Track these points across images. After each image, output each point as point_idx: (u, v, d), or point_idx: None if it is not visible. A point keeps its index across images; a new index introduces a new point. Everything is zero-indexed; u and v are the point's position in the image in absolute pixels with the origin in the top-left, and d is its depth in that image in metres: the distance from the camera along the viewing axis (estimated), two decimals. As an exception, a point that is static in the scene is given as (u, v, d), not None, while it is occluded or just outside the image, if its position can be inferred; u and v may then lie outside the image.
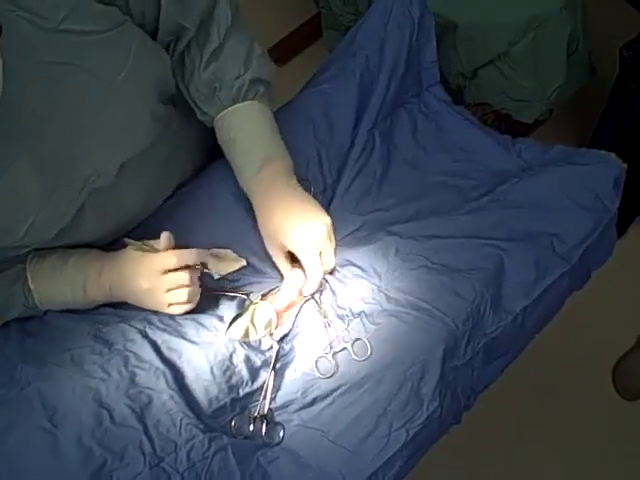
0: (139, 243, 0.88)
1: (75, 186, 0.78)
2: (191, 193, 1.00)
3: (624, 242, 1.69)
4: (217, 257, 0.92)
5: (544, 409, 1.64)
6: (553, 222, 0.93)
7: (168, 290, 0.84)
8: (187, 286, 0.85)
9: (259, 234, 0.93)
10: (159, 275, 0.84)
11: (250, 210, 0.95)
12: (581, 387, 1.66)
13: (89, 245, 0.92)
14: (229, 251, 0.93)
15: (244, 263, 0.93)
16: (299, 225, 0.86)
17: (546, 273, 0.91)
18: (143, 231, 0.96)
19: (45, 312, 0.92)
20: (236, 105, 0.92)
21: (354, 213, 0.98)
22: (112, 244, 0.96)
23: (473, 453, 1.57)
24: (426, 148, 1.06)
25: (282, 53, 2.12)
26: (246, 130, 0.92)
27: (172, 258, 0.84)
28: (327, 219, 0.87)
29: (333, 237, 0.89)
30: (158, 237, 0.86)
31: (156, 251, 0.86)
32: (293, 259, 0.91)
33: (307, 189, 0.92)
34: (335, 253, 0.90)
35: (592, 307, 1.58)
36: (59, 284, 0.87)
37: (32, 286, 0.86)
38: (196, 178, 1.03)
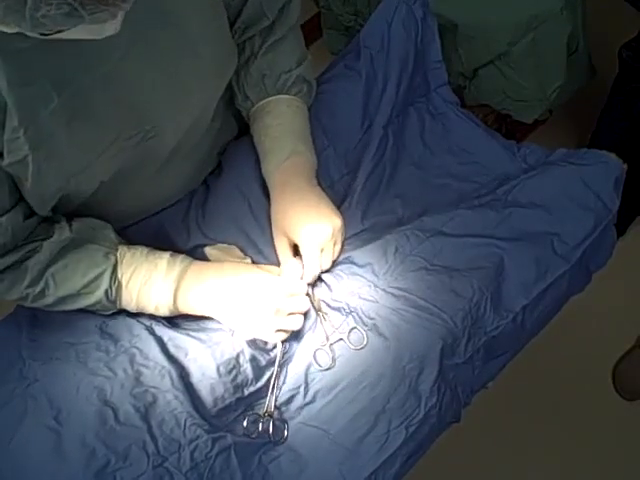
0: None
1: (135, 137, 0.79)
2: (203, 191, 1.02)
3: (624, 242, 1.69)
4: (222, 251, 0.93)
5: (544, 409, 1.64)
6: (553, 222, 0.94)
7: (290, 314, 0.84)
8: (303, 313, 0.85)
9: (266, 234, 0.94)
10: (286, 298, 0.83)
11: (257, 210, 0.96)
12: (581, 387, 1.67)
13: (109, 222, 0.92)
14: (235, 247, 0.94)
15: (248, 261, 0.94)
16: (309, 221, 0.87)
17: (546, 273, 0.91)
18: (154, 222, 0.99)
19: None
20: (279, 96, 0.95)
21: (364, 214, 0.99)
22: (125, 229, 0.97)
23: (473, 452, 1.57)
24: (432, 149, 1.06)
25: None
26: (283, 119, 0.95)
27: (303, 286, 0.85)
28: (337, 221, 0.89)
29: (340, 239, 0.91)
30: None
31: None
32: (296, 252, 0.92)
33: None
34: (339, 254, 0.92)
35: (592, 307, 1.58)
36: (147, 285, 0.83)
37: (120, 275, 0.82)
38: (210, 176, 1.04)
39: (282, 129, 0.94)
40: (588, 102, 1.71)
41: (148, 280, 0.83)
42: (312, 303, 0.89)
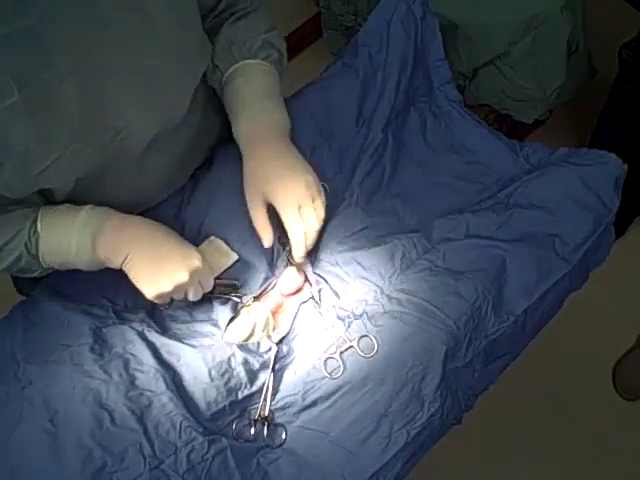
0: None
1: (105, 135, 0.78)
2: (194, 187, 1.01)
3: (624, 242, 1.69)
4: (208, 246, 0.92)
5: (544, 409, 1.64)
6: (554, 223, 0.93)
7: (177, 286, 0.82)
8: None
9: (251, 224, 0.92)
10: (195, 281, 0.84)
11: (242, 198, 0.93)
12: (581, 387, 1.67)
13: None
14: (223, 243, 0.93)
15: (236, 257, 0.93)
16: (281, 177, 0.87)
17: (548, 274, 0.91)
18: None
19: (38, 285, 0.91)
20: (247, 60, 0.94)
21: (364, 211, 0.98)
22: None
23: (473, 453, 1.57)
24: (435, 148, 1.05)
25: (282, 53, 2.12)
26: (251, 81, 0.94)
27: (211, 280, 0.86)
28: (309, 176, 0.88)
29: (319, 195, 0.88)
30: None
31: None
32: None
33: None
34: (322, 212, 0.88)
35: (592, 307, 1.58)
36: (67, 230, 0.83)
37: (40, 227, 0.82)
38: (199, 170, 1.03)
39: (251, 89, 0.93)
40: (588, 102, 1.71)
41: (68, 226, 0.82)
42: (318, 310, 0.89)
